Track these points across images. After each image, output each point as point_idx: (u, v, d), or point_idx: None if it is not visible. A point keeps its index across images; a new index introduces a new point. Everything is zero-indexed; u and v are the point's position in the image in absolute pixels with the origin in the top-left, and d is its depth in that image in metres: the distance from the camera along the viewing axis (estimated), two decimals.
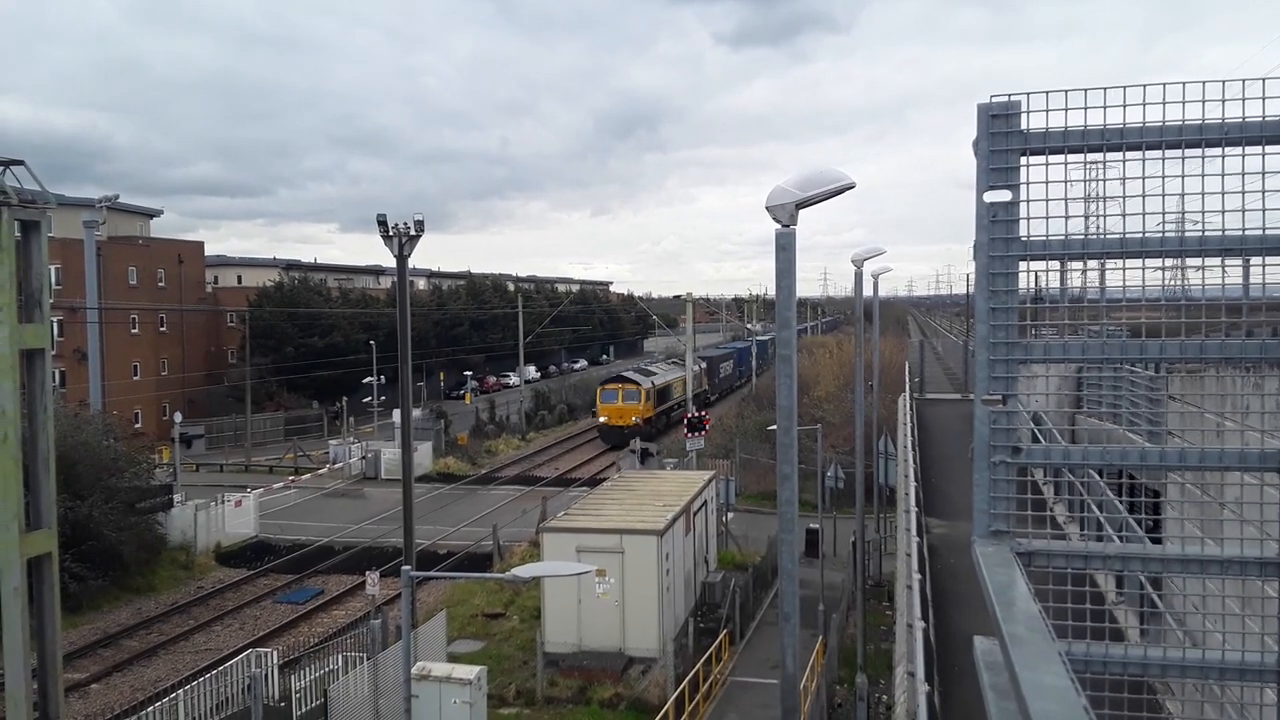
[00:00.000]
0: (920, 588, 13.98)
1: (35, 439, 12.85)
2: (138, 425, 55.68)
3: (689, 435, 38.75)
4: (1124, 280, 3.08)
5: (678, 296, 71.57)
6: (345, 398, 63.17)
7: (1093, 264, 3.24)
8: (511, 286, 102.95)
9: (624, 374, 61.60)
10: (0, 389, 12.44)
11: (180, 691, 18.91)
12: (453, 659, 20.67)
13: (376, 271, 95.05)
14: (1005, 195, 2.96)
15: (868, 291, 23.73)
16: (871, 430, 28.62)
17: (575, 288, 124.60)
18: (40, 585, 12.84)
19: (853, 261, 22.38)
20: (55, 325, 49.98)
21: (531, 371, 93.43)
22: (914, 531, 16.93)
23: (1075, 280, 3.57)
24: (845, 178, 8.83)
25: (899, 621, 19.21)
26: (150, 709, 18.05)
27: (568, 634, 22.65)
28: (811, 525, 31.43)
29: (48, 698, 12.95)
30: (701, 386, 69.16)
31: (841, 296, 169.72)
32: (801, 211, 8.63)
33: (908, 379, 40.55)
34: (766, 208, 8.75)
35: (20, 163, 12.60)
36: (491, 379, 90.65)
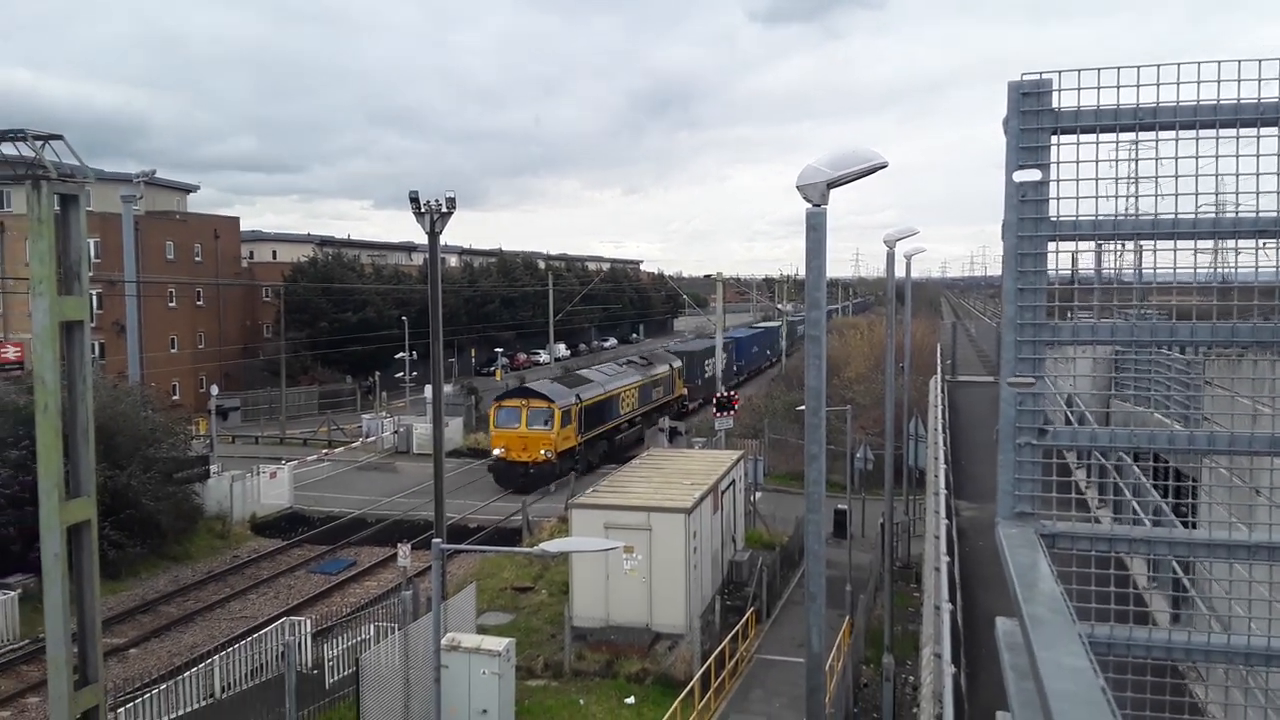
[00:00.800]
0: (948, 570, 13.93)
1: (75, 409, 13.11)
2: (175, 397, 56.60)
3: (718, 415, 38.75)
4: (1155, 262, 3.05)
5: (708, 276, 70.59)
6: (378, 373, 63.82)
7: (1130, 247, 3.21)
8: (542, 264, 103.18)
9: (530, 386, 43.71)
10: (41, 359, 12.70)
11: (216, 657, 19.33)
12: (482, 631, 20.95)
13: (409, 248, 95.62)
14: (1035, 175, 2.93)
15: (900, 272, 23.53)
16: (902, 412, 28.45)
17: (605, 266, 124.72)
18: (80, 552, 13.14)
19: (885, 242, 22.18)
20: (94, 298, 50.80)
21: (561, 349, 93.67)
22: (943, 514, 16.85)
23: (1113, 264, 3.53)
24: (877, 157, 8.77)
25: (926, 603, 19.17)
26: (187, 674, 18.47)
27: (596, 609, 22.84)
28: (840, 506, 31.37)
29: (87, 661, 13.28)
30: (671, 393, 56.25)
31: (873, 277, 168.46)
32: (833, 191, 8.59)
33: (939, 361, 40.24)
34: (797, 187, 8.71)
35: (59, 137, 12.75)
36: (522, 356, 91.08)
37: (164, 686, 17.90)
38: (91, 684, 13.20)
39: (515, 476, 39.94)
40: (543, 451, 39.58)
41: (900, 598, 25.48)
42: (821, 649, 11.35)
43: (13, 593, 24.33)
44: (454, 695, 16.69)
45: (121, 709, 16.73)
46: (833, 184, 8.46)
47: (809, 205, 8.60)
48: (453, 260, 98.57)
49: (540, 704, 19.98)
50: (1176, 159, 2.90)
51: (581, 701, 20.15)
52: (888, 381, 23.99)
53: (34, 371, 12.89)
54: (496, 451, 40.76)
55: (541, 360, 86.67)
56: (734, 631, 21.81)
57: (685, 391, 58.89)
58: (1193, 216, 2.94)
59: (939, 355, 42.22)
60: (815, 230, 8.47)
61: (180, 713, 17.51)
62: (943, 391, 33.02)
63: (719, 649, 20.55)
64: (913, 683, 20.74)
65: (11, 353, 49.70)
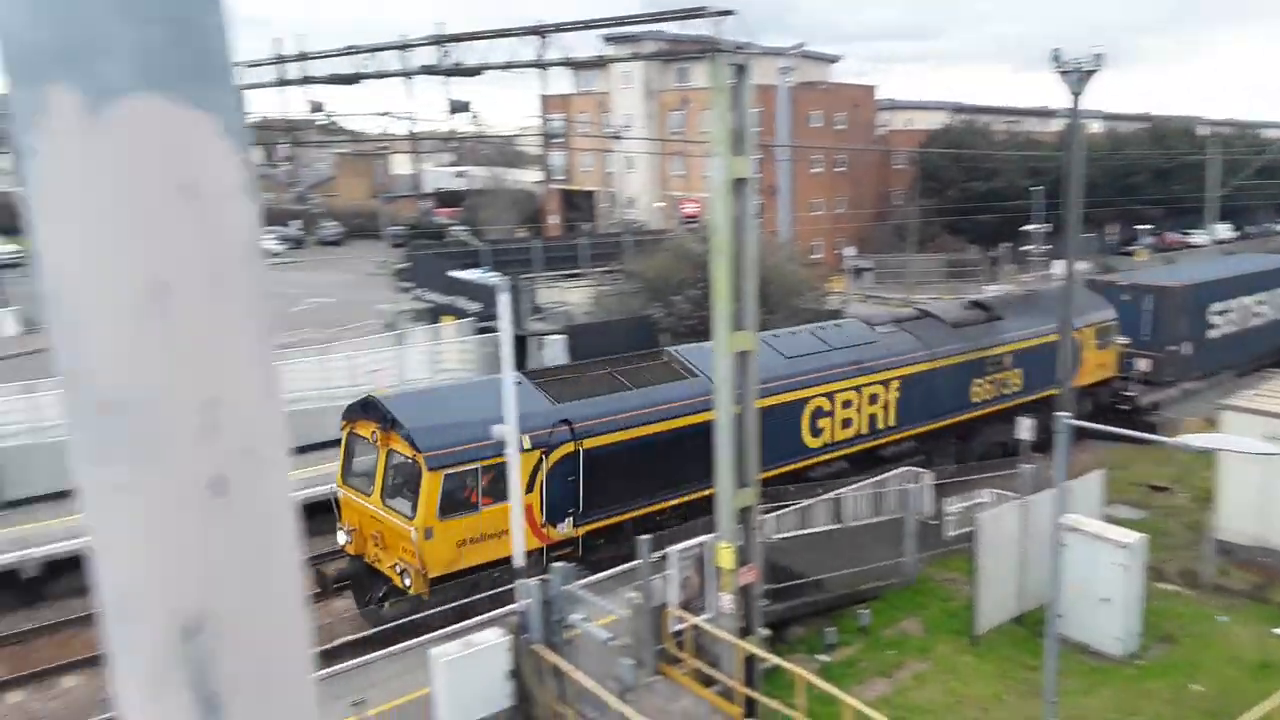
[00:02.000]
0: None
1: (741, 255, 14.97)
2: (815, 255, 61.37)
3: None
4: None
5: None
6: (1005, 244, 61.74)
7: None
8: (1204, 131, 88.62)
9: (382, 403, 17.45)
10: (716, 210, 14.67)
11: (845, 489, 21.04)
12: (1109, 521, 19.71)
13: (1044, 113, 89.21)
14: None
15: None
16: None
17: None
18: (742, 375, 15.22)
19: None
20: (755, 162, 56.62)
21: (1225, 230, 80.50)
22: None
23: None
24: None
25: None
26: (818, 498, 20.40)
27: (1246, 524, 20.00)
28: None
29: (744, 468, 15.41)
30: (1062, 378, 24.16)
31: None
32: None
33: None
34: None
35: (731, 13, 14.17)
36: (1172, 236, 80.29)
37: (803, 504, 20.09)
38: (747, 486, 15.43)
39: (370, 592, 18.07)
40: (398, 564, 16.89)
41: None
42: None
43: None
44: (1073, 576, 16.04)
45: (770, 515, 19.21)
46: None
47: None
48: (1095, 126, 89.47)
49: (1170, 609, 18.32)
50: None
51: (1222, 619, 18.02)
52: None
53: (710, 221, 14.90)
54: (341, 539, 18.00)
55: (1196, 242, 75.70)
56: None
57: (1146, 369, 31.00)
58: None
59: None
60: None
61: (813, 529, 19.69)
62: None
63: None
64: None
65: (690, 208, 58.60)
